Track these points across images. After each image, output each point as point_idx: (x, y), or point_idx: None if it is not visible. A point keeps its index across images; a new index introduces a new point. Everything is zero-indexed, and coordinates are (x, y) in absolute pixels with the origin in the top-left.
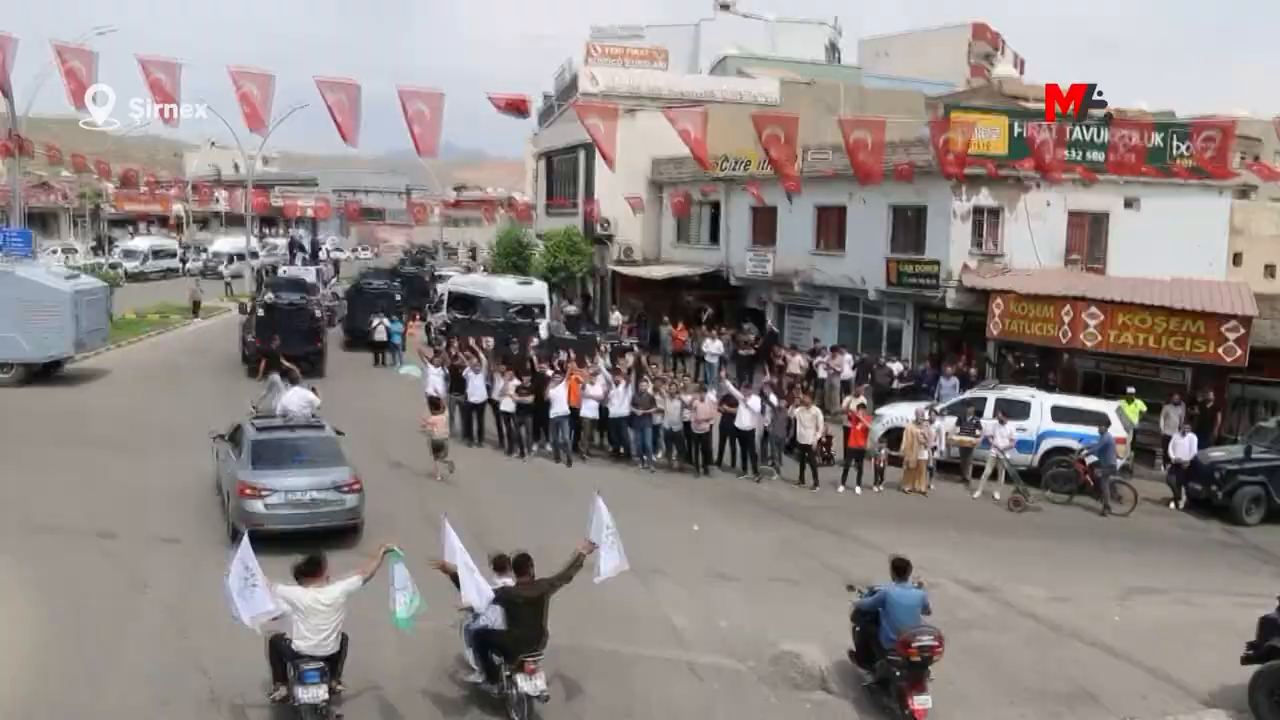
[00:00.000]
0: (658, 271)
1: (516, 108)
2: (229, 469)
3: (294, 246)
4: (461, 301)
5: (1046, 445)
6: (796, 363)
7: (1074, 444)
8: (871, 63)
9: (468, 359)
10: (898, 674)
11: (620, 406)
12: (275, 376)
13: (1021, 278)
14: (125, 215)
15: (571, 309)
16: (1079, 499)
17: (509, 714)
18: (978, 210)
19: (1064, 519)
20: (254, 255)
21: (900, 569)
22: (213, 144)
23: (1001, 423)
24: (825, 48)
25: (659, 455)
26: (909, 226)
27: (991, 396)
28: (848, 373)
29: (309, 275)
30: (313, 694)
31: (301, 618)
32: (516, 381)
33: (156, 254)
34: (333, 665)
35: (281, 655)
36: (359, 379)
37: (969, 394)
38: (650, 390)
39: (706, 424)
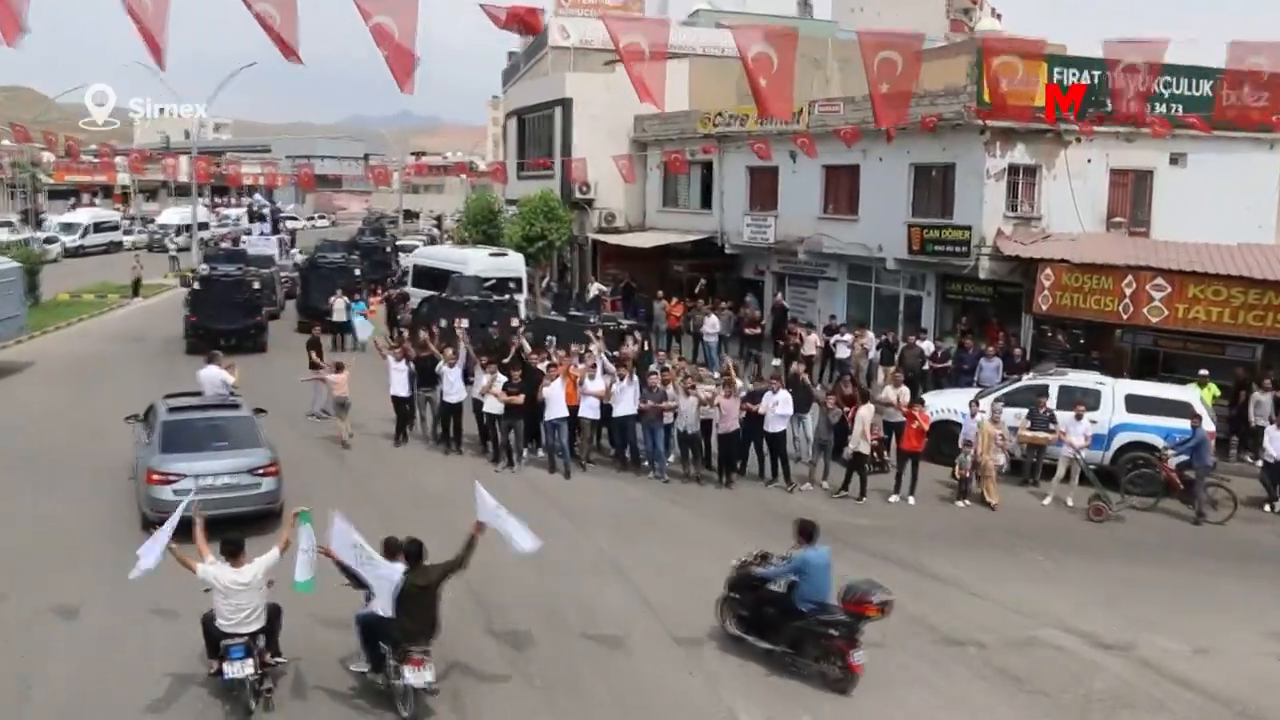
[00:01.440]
0: (647, 240)
1: (523, 21)
2: (140, 453)
3: (253, 216)
4: (429, 277)
5: (1120, 440)
6: (811, 342)
7: (1153, 439)
8: (845, 17)
9: (441, 351)
10: (834, 633)
11: (626, 405)
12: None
13: (1066, 243)
14: (66, 186)
15: (598, 289)
16: (1162, 502)
17: (395, 707)
18: (1012, 169)
19: (1154, 531)
20: (203, 226)
21: (810, 533)
22: (161, 111)
23: (1078, 417)
24: (798, 2)
25: (671, 459)
26: (933, 187)
27: (1054, 383)
28: (873, 353)
29: (269, 246)
30: (238, 669)
31: (222, 598)
32: (503, 378)
33: (98, 227)
34: (268, 639)
35: (212, 634)
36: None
37: (1028, 379)
38: (660, 384)
39: (734, 424)
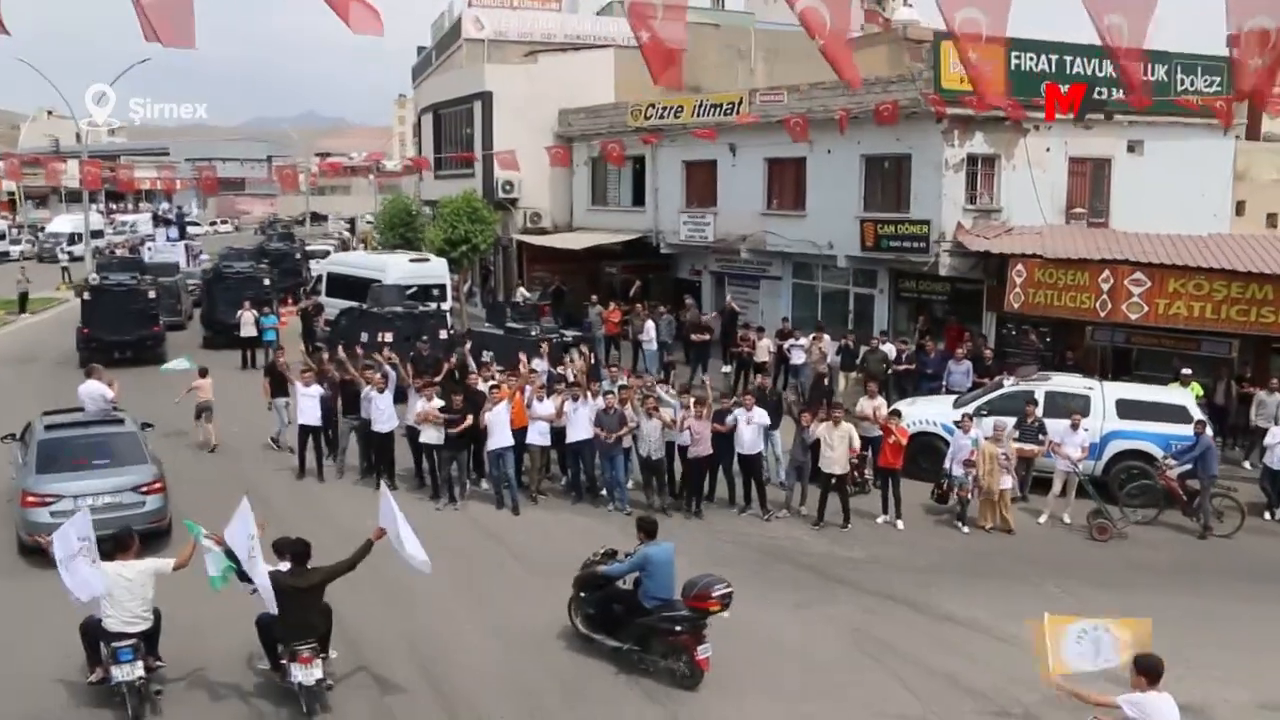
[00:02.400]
0: (578, 240)
1: None
2: (15, 474)
3: (159, 222)
4: (344, 285)
5: (1112, 449)
6: (764, 348)
7: (1148, 447)
8: (760, 9)
9: (365, 373)
10: (679, 629)
11: (581, 428)
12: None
13: (1032, 237)
14: None
15: (528, 295)
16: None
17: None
18: (970, 159)
19: (1163, 550)
20: (97, 235)
21: (651, 529)
22: (50, 114)
23: (1075, 427)
24: None
25: (629, 486)
26: (887, 180)
27: (1040, 389)
28: (831, 358)
29: (175, 253)
30: (127, 671)
31: (108, 599)
32: (440, 402)
33: None
34: (148, 642)
35: (94, 637)
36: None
37: (1010, 385)
38: (618, 404)
39: (706, 448)
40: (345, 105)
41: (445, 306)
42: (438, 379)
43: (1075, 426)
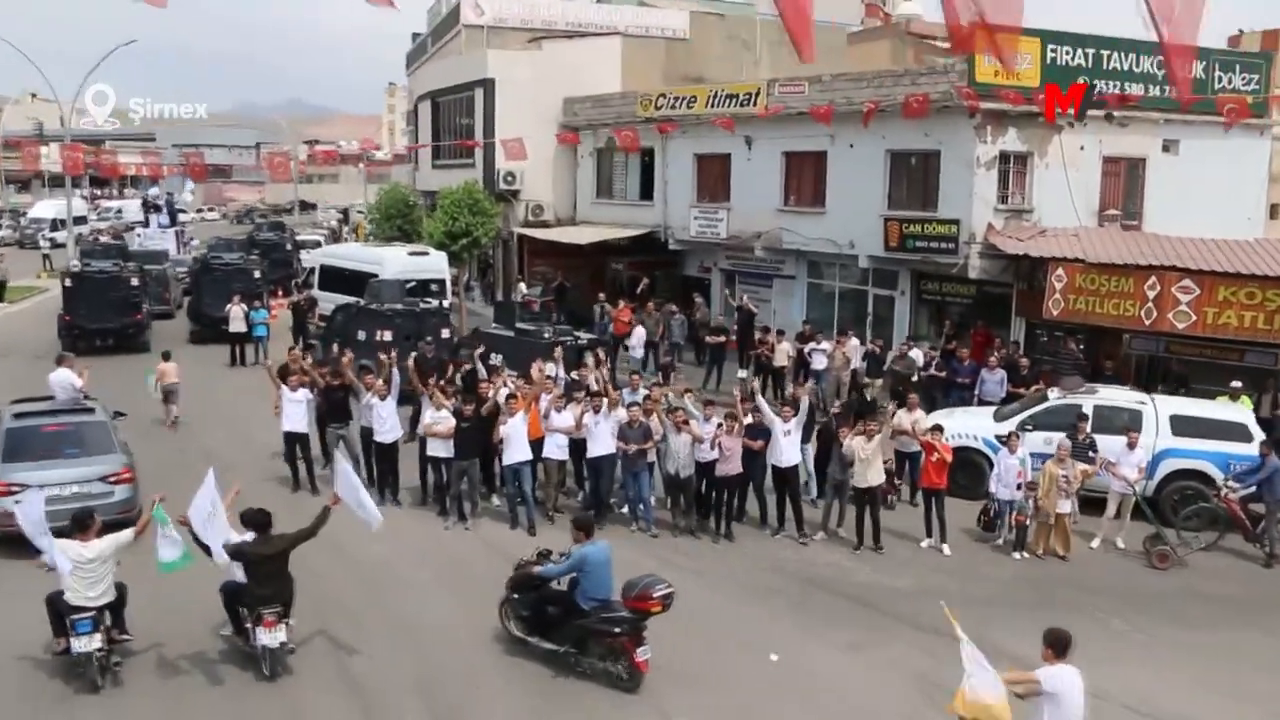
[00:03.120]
0: (584, 235)
1: None
2: None
3: (149, 208)
4: (338, 279)
5: (1166, 468)
6: (783, 351)
7: (1205, 466)
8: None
9: (363, 379)
10: (618, 630)
11: (603, 442)
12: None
13: (1068, 239)
14: None
15: (528, 291)
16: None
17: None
18: (1003, 157)
19: (1230, 580)
20: (80, 221)
21: (588, 528)
22: (34, 97)
23: (1131, 445)
24: None
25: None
26: (914, 177)
27: (1088, 403)
28: (857, 362)
29: (165, 240)
30: (85, 643)
31: (70, 574)
32: (446, 412)
33: None
34: (114, 615)
35: (58, 609)
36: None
37: (1055, 398)
38: (642, 417)
39: (737, 466)
40: (332, 94)
41: (445, 303)
42: (449, 383)
43: (1132, 445)
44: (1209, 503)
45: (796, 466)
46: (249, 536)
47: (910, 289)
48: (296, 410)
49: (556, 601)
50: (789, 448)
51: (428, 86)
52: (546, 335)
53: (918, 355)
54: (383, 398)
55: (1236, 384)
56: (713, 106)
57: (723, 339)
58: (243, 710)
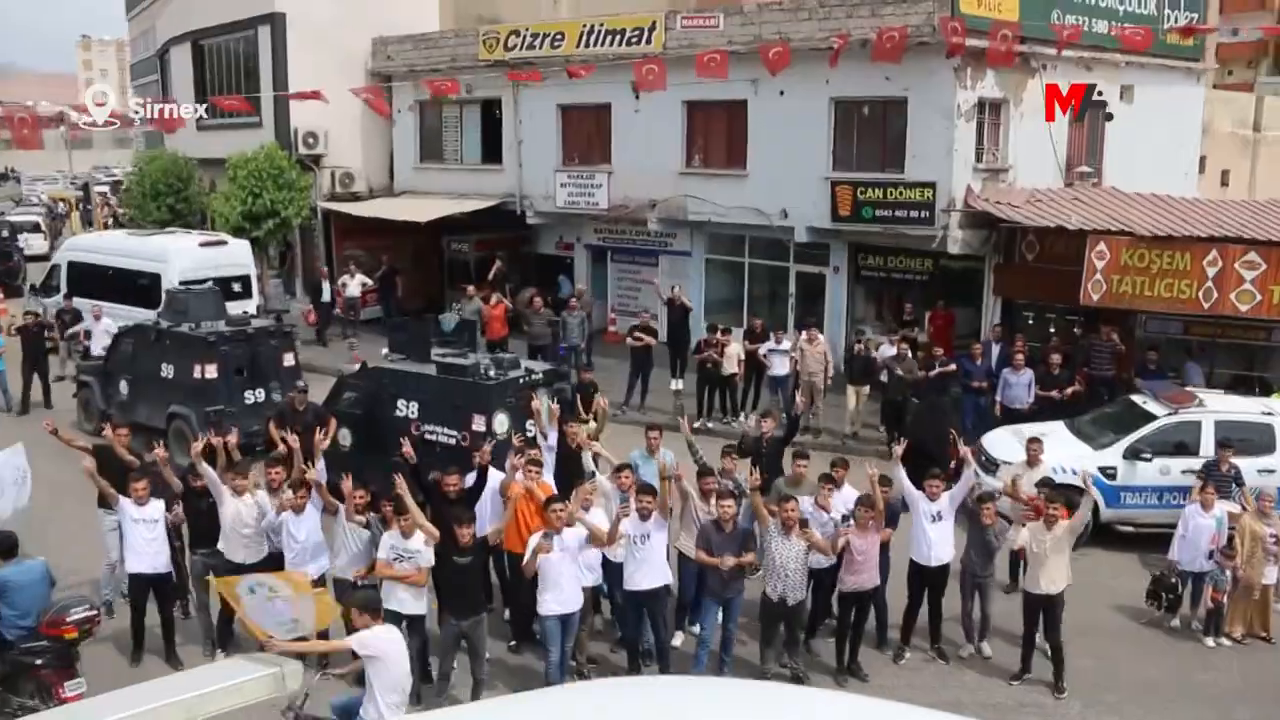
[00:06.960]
0: (415, 209)
1: None
2: None
3: None
4: (98, 281)
5: None
6: (733, 355)
7: None
8: None
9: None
10: (40, 663)
11: (657, 569)
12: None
13: (1063, 204)
14: None
15: (343, 283)
16: None
17: None
18: (979, 106)
19: None
20: None
21: (12, 548)
22: None
23: None
24: None
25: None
26: (870, 131)
27: (1206, 418)
28: (831, 368)
29: None
30: None
31: None
32: (412, 541)
33: None
34: None
35: None
36: None
37: (1167, 417)
38: (739, 518)
39: (875, 576)
40: (12, 49)
41: (250, 307)
42: (374, 492)
43: None
44: None
45: (948, 564)
46: None
47: (846, 265)
48: (144, 538)
49: None
50: (940, 539)
51: (183, 27)
52: (492, 374)
53: (889, 349)
54: (299, 511)
55: None
56: (588, 46)
57: (651, 341)
58: None
